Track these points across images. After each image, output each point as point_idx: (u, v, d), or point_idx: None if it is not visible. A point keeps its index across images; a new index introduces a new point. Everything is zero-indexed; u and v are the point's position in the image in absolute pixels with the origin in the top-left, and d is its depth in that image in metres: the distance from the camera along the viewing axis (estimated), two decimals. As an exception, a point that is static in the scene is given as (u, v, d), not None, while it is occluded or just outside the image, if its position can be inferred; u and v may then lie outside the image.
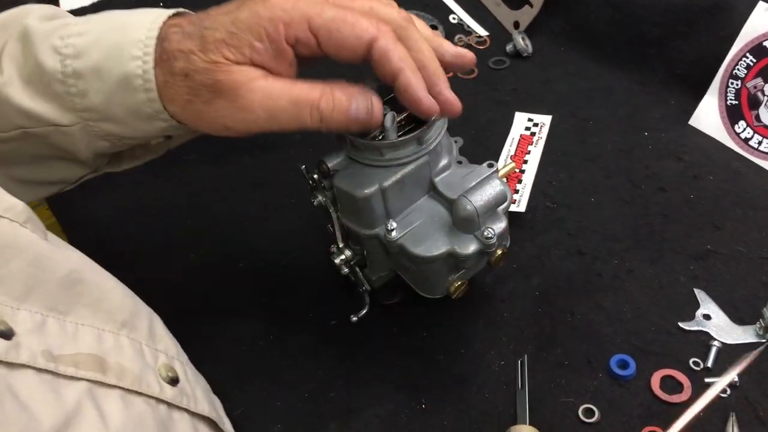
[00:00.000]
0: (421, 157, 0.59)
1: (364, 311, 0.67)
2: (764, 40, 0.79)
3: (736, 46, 0.81)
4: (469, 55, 0.59)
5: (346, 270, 0.65)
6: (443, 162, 0.62)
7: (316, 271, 0.74)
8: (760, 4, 0.79)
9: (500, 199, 0.59)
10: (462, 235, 0.59)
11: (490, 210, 0.59)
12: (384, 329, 0.70)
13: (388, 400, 0.65)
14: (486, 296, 0.71)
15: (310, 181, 0.63)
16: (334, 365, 0.68)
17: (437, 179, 0.61)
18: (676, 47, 0.88)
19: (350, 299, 0.70)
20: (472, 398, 0.64)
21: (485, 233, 0.58)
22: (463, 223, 0.59)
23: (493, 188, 0.59)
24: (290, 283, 0.74)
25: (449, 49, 0.58)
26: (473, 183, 0.59)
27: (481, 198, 0.58)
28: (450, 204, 0.60)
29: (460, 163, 0.64)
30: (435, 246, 0.59)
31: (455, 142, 0.66)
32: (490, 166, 0.63)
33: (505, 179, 0.78)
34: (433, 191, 0.61)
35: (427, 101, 0.52)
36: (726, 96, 0.83)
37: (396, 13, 0.53)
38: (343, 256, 0.64)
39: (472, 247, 0.59)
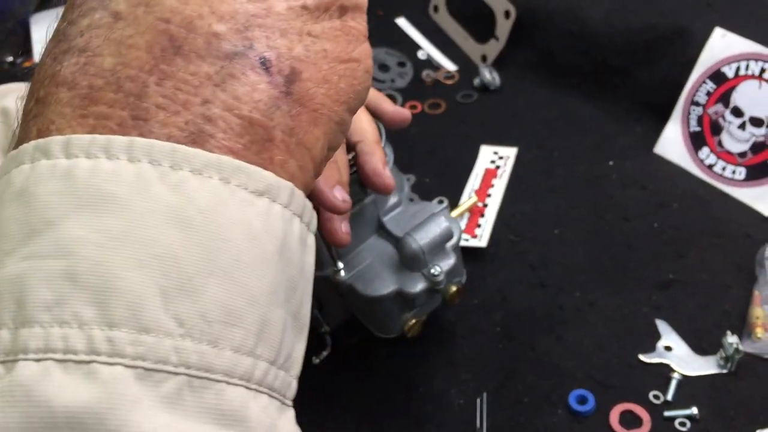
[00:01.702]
0: (366, 198, 0.59)
1: (326, 353, 0.66)
2: (722, 66, 0.79)
3: (695, 73, 0.81)
4: (406, 113, 0.62)
5: (301, 312, 0.64)
6: (392, 200, 0.62)
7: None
8: (717, 30, 0.79)
9: (446, 235, 0.59)
10: (410, 274, 0.59)
11: (437, 247, 0.59)
12: (344, 369, 0.69)
13: (346, 442, 0.64)
14: (447, 333, 0.71)
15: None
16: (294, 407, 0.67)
17: (386, 218, 0.61)
18: (639, 75, 0.88)
19: (311, 341, 0.69)
20: (431, 438, 0.63)
21: (432, 271, 0.58)
22: (409, 261, 0.58)
23: (439, 225, 0.58)
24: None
25: (388, 108, 0.61)
26: (420, 221, 0.59)
27: (426, 235, 0.58)
28: (397, 242, 0.59)
29: (411, 200, 0.64)
30: (383, 285, 0.59)
31: (407, 179, 0.66)
32: (440, 202, 0.63)
33: (467, 214, 0.78)
34: (382, 230, 0.61)
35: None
36: (688, 123, 0.82)
37: None
38: (295, 298, 0.64)
39: (419, 286, 0.58)
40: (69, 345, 0.24)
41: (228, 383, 0.26)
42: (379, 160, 0.55)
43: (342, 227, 0.54)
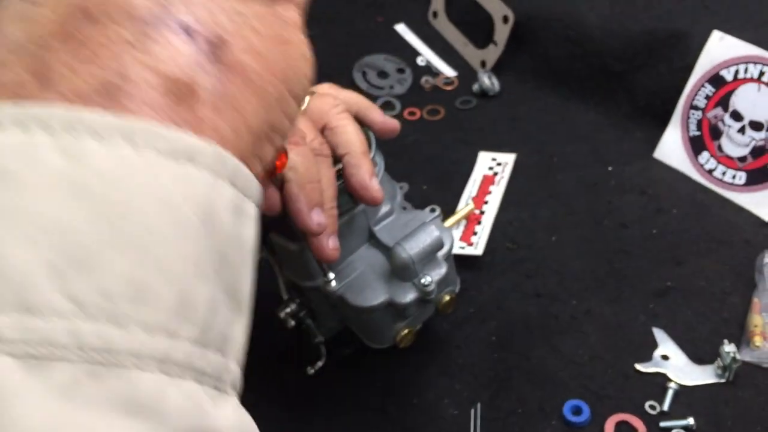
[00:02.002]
0: (356, 208, 0.58)
1: (321, 363, 0.66)
2: (721, 70, 0.78)
3: (694, 77, 0.80)
4: (394, 124, 0.62)
5: (293, 323, 0.64)
6: (384, 209, 0.61)
7: (271, 321, 0.73)
8: (715, 33, 0.78)
9: (437, 245, 0.58)
10: (401, 284, 0.58)
11: (428, 257, 0.58)
12: (338, 380, 0.68)
13: (339, 453, 0.63)
14: (441, 343, 0.70)
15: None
16: (287, 417, 0.67)
17: (377, 227, 0.60)
18: (637, 80, 0.87)
19: (306, 351, 0.69)
20: (425, 449, 0.63)
21: (423, 281, 0.57)
22: (400, 271, 0.58)
23: (429, 235, 0.58)
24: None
25: (377, 118, 0.61)
26: (411, 230, 0.59)
27: (416, 245, 0.57)
28: (388, 252, 0.59)
29: (404, 209, 0.64)
30: (374, 295, 0.58)
31: (400, 187, 0.66)
32: (432, 211, 0.63)
33: (463, 221, 0.78)
34: (373, 239, 0.61)
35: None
36: (688, 127, 0.81)
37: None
38: (288, 309, 0.63)
39: (410, 296, 0.58)
40: None
41: (138, 367, 0.23)
42: (366, 172, 0.55)
43: (329, 243, 0.53)
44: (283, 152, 0.45)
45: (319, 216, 0.51)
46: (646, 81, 0.86)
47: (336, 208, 0.55)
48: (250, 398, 0.30)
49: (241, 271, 0.28)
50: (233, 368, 0.27)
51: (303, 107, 0.57)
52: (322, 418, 0.66)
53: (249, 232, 0.28)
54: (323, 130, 0.56)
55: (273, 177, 0.47)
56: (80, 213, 0.23)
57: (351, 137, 0.56)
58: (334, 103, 0.57)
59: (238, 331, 0.27)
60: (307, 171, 0.50)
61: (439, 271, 0.59)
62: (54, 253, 0.22)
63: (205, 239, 0.25)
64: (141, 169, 0.24)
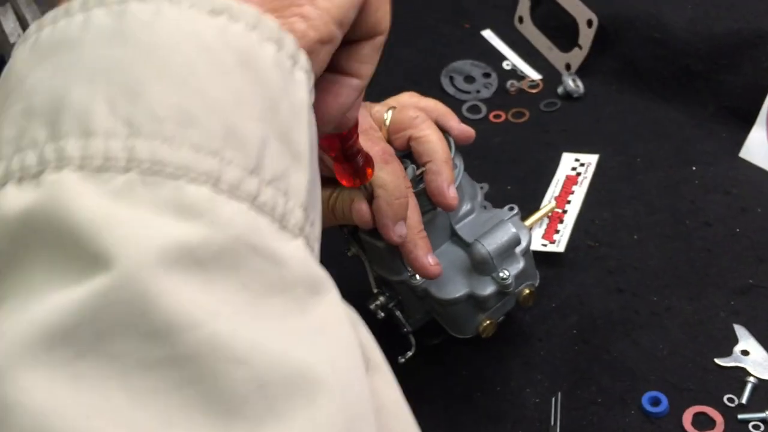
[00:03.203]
0: (437, 208, 0.62)
1: (411, 353, 0.70)
2: (807, 69, 0.78)
3: (779, 77, 0.80)
4: (470, 132, 0.65)
5: (382, 314, 0.68)
6: (465, 208, 0.65)
7: (362, 313, 0.78)
8: (801, 33, 0.78)
9: (514, 241, 0.62)
10: (480, 278, 0.62)
11: (506, 252, 0.62)
12: (427, 368, 0.73)
13: (425, 437, 0.68)
14: (524, 335, 0.73)
15: (345, 234, 0.67)
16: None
17: (458, 225, 0.64)
18: (722, 80, 0.88)
19: (397, 341, 0.73)
20: (506, 435, 0.66)
21: (501, 275, 0.61)
22: (479, 266, 0.62)
23: (506, 232, 0.61)
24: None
25: (454, 125, 0.64)
26: (489, 227, 0.62)
27: (494, 241, 0.61)
28: (468, 248, 0.63)
29: (484, 207, 0.67)
30: (455, 289, 0.62)
31: (481, 187, 0.69)
32: (511, 209, 0.66)
33: (545, 220, 0.81)
34: (455, 237, 0.65)
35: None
36: (774, 126, 0.82)
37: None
38: (377, 302, 0.68)
39: (489, 289, 0.62)
40: (24, 165, 0.26)
41: (189, 179, 0.26)
42: (444, 180, 0.59)
43: (429, 261, 0.59)
44: (370, 165, 0.50)
45: (401, 229, 0.56)
46: (731, 81, 0.87)
47: (424, 231, 0.60)
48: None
49: (295, 124, 0.30)
50: (299, 213, 0.29)
51: (387, 121, 0.62)
52: (411, 403, 0.70)
53: (300, 93, 0.31)
54: (408, 140, 0.61)
55: (363, 184, 0.51)
56: (127, 54, 0.27)
57: (434, 146, 0.60)
58: (415, 114, 0.61)
59: (299, 180, 0.29)
60: (396, 188, 0.55)
61: (517, 266, 0.62)
62: (109, 88, 0.26)
63: (245, 82, 0.28)
64: (179, 20, 0.28)
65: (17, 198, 0.25)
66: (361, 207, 0.56)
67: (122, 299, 0.24)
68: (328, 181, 0.55)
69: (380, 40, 0.38)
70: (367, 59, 0.38)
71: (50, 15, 0.29)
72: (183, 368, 0.24)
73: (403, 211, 0.56)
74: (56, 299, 0.24)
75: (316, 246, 0.31)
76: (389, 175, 0.55)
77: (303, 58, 0.31)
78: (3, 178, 0.26)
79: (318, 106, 0.34)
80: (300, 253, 0.29)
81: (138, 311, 0.24)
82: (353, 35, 0.36)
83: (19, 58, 0.29)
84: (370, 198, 0.56)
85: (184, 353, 0.24)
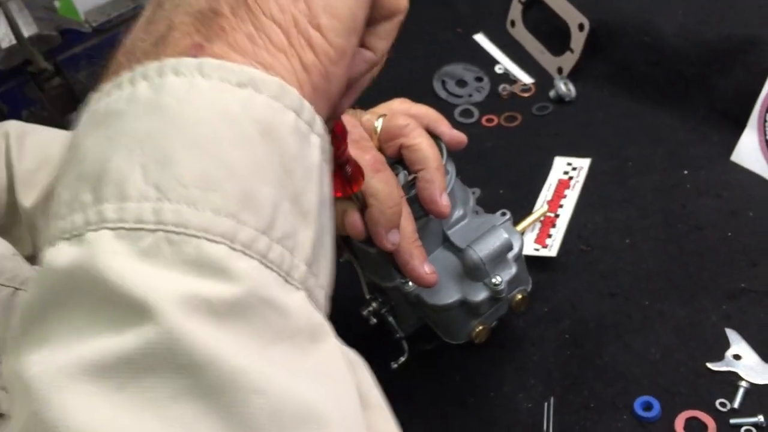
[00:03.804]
0: (430, 214, 0.62)
1: (404, 358, 0.70)
2: (797, 73, 0.78)
3: (770, 81, 0.80)
4: (461, 138, 0.65)
5: (375, 320, 0.68)
6: (457, 214, 0.65)
7: (355, 318, 0.78)
8: (791, 38, 0.79)
9: (506, 247, 0.62)
10: (473, 284, 0.62)
11: (498, 258, 0.62)
12: (419, 374, 0.73)
13: (418, 442, 0.68)
14: (517, 340, 0.73)
15: (338, 240, 0.67)
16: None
17: (450, 231, 0.65)
18: (714, 84, 0.88)
19: (390, 346, 0.73)
20: (499, 441, 0.66)
21: (494, 280, 0.61)
22: (471, 271, 0.62)
23: (499, 237, 0.62)
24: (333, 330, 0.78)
25: (445, 131, 0.65)
26: (481, 233, 0.62)
27: (486, 247, 0.61)
28: (460, 254, 0.63)
29: (477, 213, 0.67)
30: (448, 295, 0.62)
31: (473, 193, 0.69)
32: (503, 214, 0.66)
33: (537, 224, 0.81)
34: (447, 242, 0.65)
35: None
36: (765, 130, 0.82)
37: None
38: (370, 308, 0.68)
39: (482, 295, 0.62)
40: (74, 226, 0.29)
41: (208, 240, 0.29)
42: (437, 188, 0.59)
43: (425, 270, 0.59)
44: (360, 173, 0.50)
45: (394, 237, 0.57)
46: (722, 85, 0.87)
47: (419, 239, 0.60)
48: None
49: (306, 186, 0.33)
50: (302, 268, 0.32)
51: (378, 129, 0.62)
52: (404, 409, 0.70)
53: (313, 156, 0.34)
54: (400, 149, 0.61)
55: (353, 193, 0.51)
56: (161, 125, 0.30)
57: (425, 154, 0.60)
58: (405, 121, 0.61)
59: (305, 237, 0.33)
60: (388, 197, 0.56)
61: (510, 271, 0.62)
62: (144, 156, 0.30)
63: (265, 150, 0.31)
64: (208, 92, 0.31)
65: (66, 254, 0.29)
66: (354, 218, 0.56)
67: (156, 343, 0.27)
68: None
69: (399, 18, 0.39)
70: (384, 35, 0.39)
71: (107, 86, 0.32)
72: (208, 398, 0.27)
73: (396, 220, 0.56)
74: (99, 342, 0.28)
75: (321, 294, 0.34)
76: (381, 184, 0.55)
77: (318, 123, 0.34)
78: (60, 236, 0.30)
79: None
80: (302, 304, 0.32)
81: (169, 352, 0.27)
82: (372, 17, 0.37)
83: (80, 125, 0.33)
84: (363, 208, 0.56)
85: (208, 384, 0.27)
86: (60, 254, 0.29)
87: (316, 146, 0.34)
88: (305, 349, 0.31)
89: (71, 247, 0.29)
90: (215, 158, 0.30)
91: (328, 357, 0.32)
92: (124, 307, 0.28)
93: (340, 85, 0.36)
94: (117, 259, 0.28)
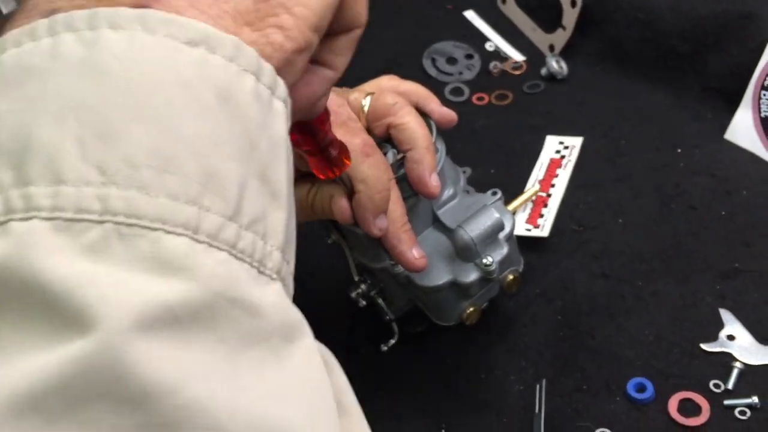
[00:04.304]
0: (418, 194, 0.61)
1: (393, 340, 0.69)
2: (793, 50, 0.77)
3: (765, 58, 0.79)
4: (451, 116, 0.64)
5: (364, 302, 0.67)
6: (447, 193, 0.64)
7: (344, 301, 0.77)
8: (787, 13, 0.77)
9: (497, 226, 0.60)
10: (464, 264, 0.61)
11: (489, 238, 0.60)
12: (409, 356, 0.72)
13: (408, 425, 0.67)
14: (509, 322, 0.72)
15: (325, 221, 0.66)
16: (359, 392, 0.70)
17: (440, 211, 0.63)
18: (707, 61, 0.86)
19: (379, 329, 0.72)
20: (491, 424, 0.65)
21: (484, 261, 0.60)
22: (462, 252, 0.60)
23: (490, 217, 0.60)
24: (320, 314, 0.77)
25: (435, 108, 0.63)
26: (472, 212, 0.61)
27: (477, 227, 0.60)
28: (451, 234, 0.61)
29: (467, 192, 0.66)
30: (438, 276, 0.61)
31: (463, 172, 0.68)
32: (494, 194, 0.65)
33: (529, 204, 0.79)
34: (437, 222, 0.63)
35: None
36: (759, 108, 0.81)
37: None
38: (359, 290, 0.66)
39: (473, 276, 0.60)
40: None
41: (166, 231, 0.25)
42: (426, 168, 0.58)
43: (414, 255, 0.57)
44: (345, 154, 0.48)
45: (382, 222, 0.55)
46: (716, 62, 0.86)
47: (408, 223, 0.58)
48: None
49: (273, 160, 0.29)
50: (276, 256, 0.28)
51: (365, 108, 0.60)
52: (395, 392, 0.69)
53: (278, 126, 0.30)
54: (388, 128, 0.59)
55: (339, 174, 0.49)
56: (101, 90, 0.25)
57: (414, 133, 0.58)
58: (394, 100, 0.60)
59: (277, 220, 0.29)
60: (377, 182, 0.54)
61: (501, 252, 0.61)
62: (81, 127, 0.25)
63: (225, 120, 0.27)
64: (156, 52, 0.26)
65: None
66: (342, 203, 0.54)
67: (98, 366, 0.23)
68: (304, 176, 0.54)
69: (357, 33, 0.36)
70: (342, 51, 0.36)
71: (13, 34, 0.27)
72: None
73: (384, 205, 0.54)
74: (27, 364, 0.23)
75: (290, 280, 0.30)
76: (371, 169, 0.53)
77: (281, 86, 0.30)
78: None
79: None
80: (276, 299, 0.28)
81: (113, 378, 0.23)
82: (330, 29, 0.34)
83: None
84: (351, 193, 0.54)
85: (161, 421, 0.23)
86: None
87: (280, 114, 0.30)
88: (279, 352, 0.27)
89: None
90: (169, 131, 0.25)
91: (304, 360, 0.29)
92: (61, 319, 0.23)
93: (293, 82, 0.32)
94: (55, 258, 0.23)
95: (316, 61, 0.35)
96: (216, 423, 0.24)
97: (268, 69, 0.29)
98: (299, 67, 0.32)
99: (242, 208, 0.27)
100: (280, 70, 0.30)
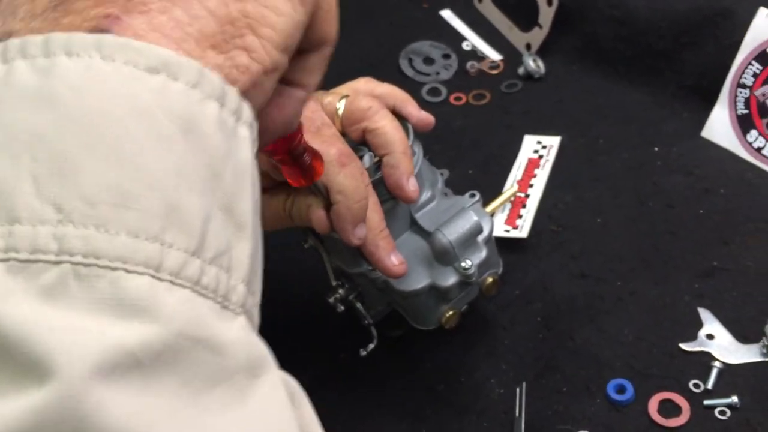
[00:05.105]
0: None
1: (372, 345, 0.68)
2: (768, 47, 0.77)
3: (741, 55, 0.79)
4: (429, 120, 0.63)
5: (342, 307, 0.66)
6: (425, 196, 0.63)
7: (321, 306, 0.76)
8: (761, 10, 0.77)
9: (476, 229, 0.60)
10: (442, 268, 0.60)
11: (467, 241, 0.60)
12: (389, 361, 0.71)
13: (388, 430, 0.66)
14: (488, 324, 0.72)
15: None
16: (339, 397, 0.69)
17: (418, 214, 0.62)
18: (684, 59, 0.86)
19: (358, 333, 0.71)
20: (471, 427, 0.65)
21: (463, 264, 0.59)
22: (440, 256, 0.60)
23: (468, 220, 0.60)
24: (299, 319, 0.76)
25: (413, 112, 0.62)
26: (451, 215, 0.60)
27: (455, 230, 0.59)
28: (429, 237, 0.61)
29: (445, 194, 0.65)
30: (416, 280, 0.60)
31: (441, 174, 0.67)
32: (472, 196, 0.64)
33: (508, 205, 0.79)
34: (415, 226, 0.62)
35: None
36: (736, 105, 0.81)
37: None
38: (336, 295, 0.66)
39: (451, 279, 0.60)
40: None
41: (127, 271, 0.24)
42: (403, 173, 0.57)
43: (392, 261, 0.57)
44: (318, 160, 0.47)
45: (361, 231, 0.54)
46: (692, 60, 0.86)
47: (386, 229, 0.58)
48: (304, 381, 0.32)
49: (238, 191, 0.28)
50: (241, 289, 0.28)
51: (340, 111, 0.59)
52: (374, 397, 0.69)
53: (244, 153, 0.29)
54: (364, 132, 0.59)
55: (313, 182, 0.48)
56: (55, 122, 0.24)
57: (390, 138, 0.58)
58: (368, 104, 0.59)
59: (242, 252, 0.28)
60: (355, 192, 0.53)
61: (479, 255, 0.60)
62: (35, 162, 0.24)
63: (188, 151, 0.26)
64: (115, 81, 0.25)
65: None
66: (319, 215, 0.54)
67: (56, 417, 0.22)
68: (280, 185, 0.53)
69: (328, 50, 0.35)
70: (313, 69, 0.35)
71: None
72: None
73: (362, 214, 0.54)
74: None
75: (257, 312, 0.29)
76: (347, 179, 0.53)
77: (246, 111, 0.29)
78: None
79: (261, 119, 0.32)
80: (241, 334, 0.27)
81: (72, 429, 0.22)
82: (300, 47, 0.33)
83: None
84: (328, 203, 0.54)
85: None
86: None
87: (245, 140, 0.29)
88: (243, 390, 0.26)
89: None
90: (128, 164, 0.24)
91: (269, 396, 0.28)
92: (17, 367, 0.22)
93: (262, 104, 0.31)
94: (9, 302, 0.23)
95: (286, 81, 0.34)
96: None
97: (232, 94, 0.28)
98: (267, 88, 0.31)
99: (206, 242, 0.26)
100: (248, 93, 0.29)
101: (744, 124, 0.80)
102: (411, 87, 0.87)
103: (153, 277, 0.24)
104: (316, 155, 0.46)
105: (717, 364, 0.63)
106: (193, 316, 0.25)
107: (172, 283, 0.25)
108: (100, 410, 0.22)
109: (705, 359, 0.64)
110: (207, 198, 0.26)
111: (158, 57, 0.26)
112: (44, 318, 0.23)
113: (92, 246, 0.24)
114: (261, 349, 0.28)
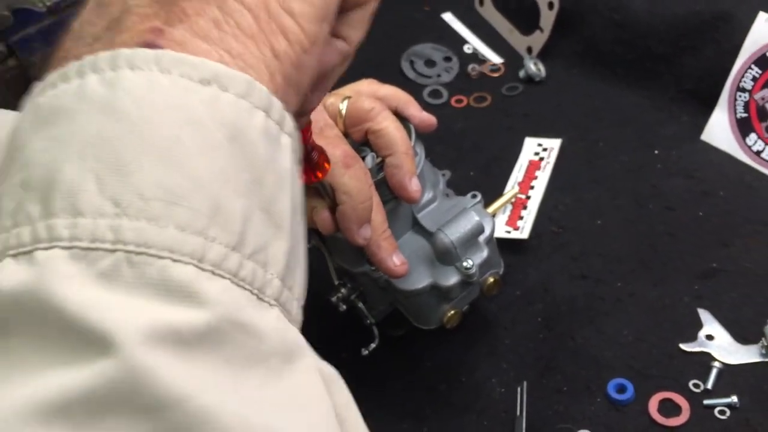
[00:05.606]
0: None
1: (374, 344, 0.69)
2: (767, 51, 0.77)
3: (740, 59, 0.80)
4: (431, 121, 0.64)
5: (344, 306, 0.67)
6: (427, 196, 0.64)
7: (324, 305, 0.76)
8: (761, 15, 0.78)
9: (477, 230, 0.60)
10: (444, 268, 0.61)
11: (469, 241, 0.60)
12: (390, 360, 0.71)
13: (390, 429, 0.66)
14: (489, 324, 0.72)
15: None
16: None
17: (420, 214, 0.63)
18: (683, 63, 0.87)
19: (360, 332, 0.72)
20: (472, 427, 0.65)
21: (465, 264, 0.60)
22: (442, 256, 0.60)
23: (470, 220, 0.60)
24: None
25: (415, 113, 0.63)
26: (452, 216, 0.61)
27: (457, 230, 0.60)
28: (431, 238, 0.61)
29: (447, 195, 0.66)
30: (418, 280, 0.61)
31: (443, 175, 0.68)
32: (474, 197, 0.65)
33: (509, 206, 0.80)
34: (417, 226, 0.63)
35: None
36: (735, 109, 0.81)
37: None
38: (339, 294, 0.66)
39: (453, 279, 0.60)
40: (20, 241, 0.27)
41: (173, 260, 0.27)
42: (406, 173, 0.58)
43: (394, 262, 0.58)
44: (326, 158, 0.47)
45: (366, 231, 0.55)
46: (692, 64, 0.86)
47: (389, 230, 0.59)
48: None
49: (278, 193, 0.30)
50: (276, 284, 0.30)
51: (342, 112, 0.60)
52: (375, 397, 0.69)
53: (285, 160, 0.31)
54: (366, 133, 0.59)
55: (321, 178, 0.49)
56: (118, 128, 0.27)
57: (393, 138, 0.58)
58: (371, 105, 0.59)
59: (278, 249, 0.30)
60: (360, 193, 0.54)
61: (481, 255, 0.61)
62: (98, 163, 0.27)
63: (234, 156, 0.29)
64: (171, 92, 0.28)
65: (13, 273, 0.26)
66: (324, 216, 0.55)
67: (117, 380, 0.25)
68: None
69: (372, 6, 0.36)
70: (357, 25, 0.36)
71: (50, 77, 0.29)
72: None
73: (367, 215, 0.55)
74: (52, 378, 0.25)
75: (296, 306, 0.32)
76: (353, 180, 0.53)
77: (288, 121, 0.31)
78: (5, 251, 0.27)
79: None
80: (276, 324, 0.30)
81: (132, 389, 0.25)
82: (344, 4, 0.35)
83: (23, 120, 0.29)
84: (333, 204, 0.54)
85: (175, 426, 0.25)
86: (5, 274, 0.26)
87: (287, 148, 0.31)
88: (279, 372, 0.29)
89: (18, 266, 0.26)
90: (178, 167, 0.27)
91: (304, 379, 0.30)
92: (79, 340, 0.25)
93: (312, 76, 0.33)
94: (72, 284, 0.26)
95: (330, 32, 0.35)
96: (225, 427, 0.26)
97: (277, 105, 0.30)
98: (311, 65, 0.32)
99: (245, 239, 0.29)
100: (289, 78, 0.31)
101: (743, 127, 0.81)
102: (412, 89, 0.87)
103: (196, 267, 0.27)
104: (323, 153, 0.46)
105: (716, 364, 0.64)
106: (232, 303, 0.28)
107: (213, 273, 0.27)
108: (154, 374, 0.25)
109: (705, 359, 0.65)
110: (248, 199, 0.29)
111: (210, 70, 0.29)
112: (101, 298, 0.26)
113: (144, 237, 0.26)
114: (296, 337, 0.31)
